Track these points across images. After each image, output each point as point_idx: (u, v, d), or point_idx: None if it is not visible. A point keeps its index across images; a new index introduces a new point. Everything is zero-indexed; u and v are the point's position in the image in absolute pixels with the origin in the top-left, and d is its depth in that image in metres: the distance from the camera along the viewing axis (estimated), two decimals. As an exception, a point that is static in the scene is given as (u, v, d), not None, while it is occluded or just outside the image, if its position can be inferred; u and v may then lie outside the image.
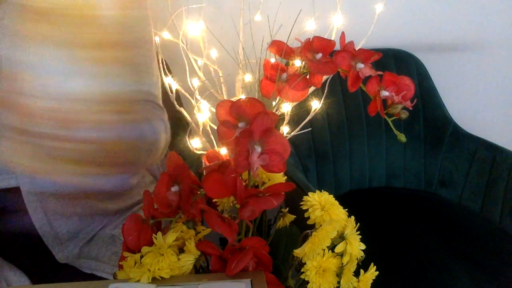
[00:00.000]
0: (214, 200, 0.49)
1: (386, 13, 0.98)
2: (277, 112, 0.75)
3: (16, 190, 0.66)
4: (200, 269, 0.44)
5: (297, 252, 0.44)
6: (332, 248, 0.44)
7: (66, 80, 0.60)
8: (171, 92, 0.86)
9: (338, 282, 0.44)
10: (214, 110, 0.55)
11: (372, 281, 0.47)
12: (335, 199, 0.46)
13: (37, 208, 0.67)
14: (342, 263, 0.44)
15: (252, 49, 0.94)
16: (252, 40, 0.95)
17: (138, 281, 0.40)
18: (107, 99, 0.63)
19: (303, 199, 0.46)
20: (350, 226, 0.46)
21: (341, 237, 0.45)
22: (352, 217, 0.47)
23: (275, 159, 0.40)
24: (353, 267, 0.45)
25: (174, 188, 0.43)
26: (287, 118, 0.97)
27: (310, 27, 0.97)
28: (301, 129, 0.99)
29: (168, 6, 0.98)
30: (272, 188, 0.41)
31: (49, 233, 0.69)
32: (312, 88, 0.54)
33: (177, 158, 0.45)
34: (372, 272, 0.46)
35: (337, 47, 0.49)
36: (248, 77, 0.91)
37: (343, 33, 0.50)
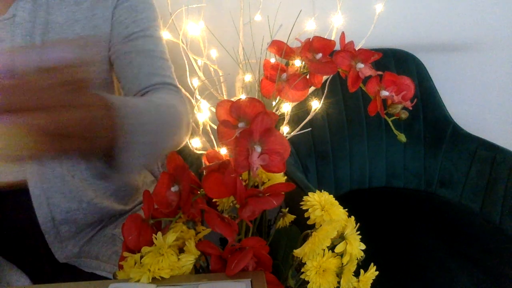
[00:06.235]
0: (214, 200, 0.49)
1: (386, 13, 0.98)
2: (277, 112, 0.76)
3: (22, 186, 0.66)
4: (200, 269, 0.44)
5: (297, 252, 0.44)
6: (332, 248, 0.44)
7: None
8: (171, 92, 0.86)
9: (338, 282, 0.44)
10: (214, 110, 0.55)
11: (372, 281, 0.47)
12: (335, 199, 0.46)
13: (43, 203, 0.67)
14: (342, 263, 0.44)
15: (252, 49, 0.94)
16: (252, 40, 0.95)
17: (138, 281, 0.40)
18: None
19: (303, 199, 0.46)
20: (350, 226, 0.46)
21: (341, 237, 0.45)
22: (352, 217, 0.47)
23: (275, 159, 0.40)
24: (353, 267, 0.45)
25: (174, 188, 0.43)
26: (287, 118, 0.97)
27: (310, 27, 0.97)
28: (301, 129, 0.99)
29: (168, 6, 0.98)
30: (272, 188, 0.41)
31: (51, 230, 0.69)
32: (312, 88, 0.54)
33: (177, 158, 0.45)
34: (372, 272, 0.46)
35: (337, 47, 0.49)
36: (248, 77, 0.92)
37: (343, 33, 0.50)
